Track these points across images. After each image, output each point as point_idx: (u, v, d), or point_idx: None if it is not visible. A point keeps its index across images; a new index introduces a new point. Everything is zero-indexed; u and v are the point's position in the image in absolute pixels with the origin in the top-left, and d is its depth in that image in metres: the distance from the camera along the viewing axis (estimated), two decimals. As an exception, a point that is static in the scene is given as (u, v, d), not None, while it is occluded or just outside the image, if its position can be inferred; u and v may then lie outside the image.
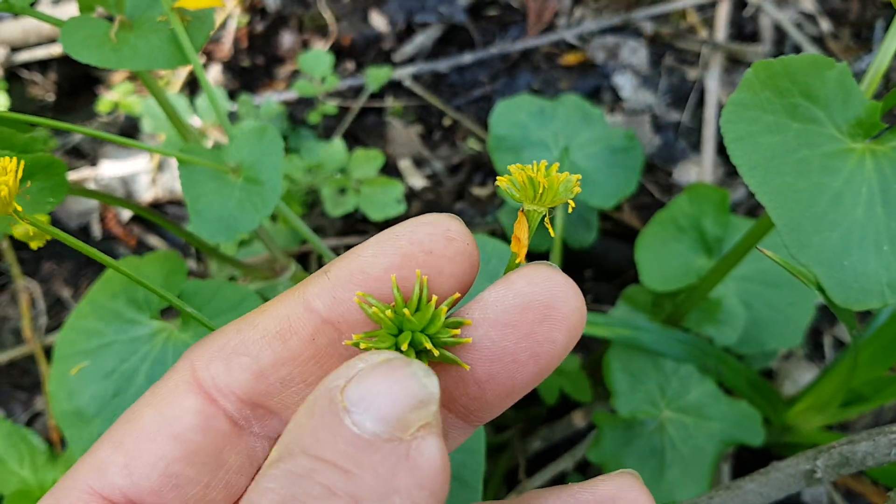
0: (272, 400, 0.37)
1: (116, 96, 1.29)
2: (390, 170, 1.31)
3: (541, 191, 0.35)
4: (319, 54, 1.26)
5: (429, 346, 0.33)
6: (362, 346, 0.34)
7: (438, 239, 0.36)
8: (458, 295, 0.36)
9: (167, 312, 1.13)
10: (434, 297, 0.35)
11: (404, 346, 0.33)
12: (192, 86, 1.42)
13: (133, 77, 1.35)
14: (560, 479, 1.01)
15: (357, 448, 0.29)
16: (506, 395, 0.37)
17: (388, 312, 0.34)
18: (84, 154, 1.33)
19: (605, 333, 0.86)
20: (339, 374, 0.31)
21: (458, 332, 0.36)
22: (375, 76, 1.28)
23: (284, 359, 0.37)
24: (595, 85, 1.40)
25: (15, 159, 0.46)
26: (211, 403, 0.37)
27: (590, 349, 1.18)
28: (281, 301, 0.38)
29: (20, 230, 0.57)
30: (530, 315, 0.35)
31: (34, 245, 0.58)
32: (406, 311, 0.34)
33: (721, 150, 1.33)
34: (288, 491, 0.28)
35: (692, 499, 0.63)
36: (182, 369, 0.38)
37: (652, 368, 0.87)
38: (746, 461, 1.08)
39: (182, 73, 1.40)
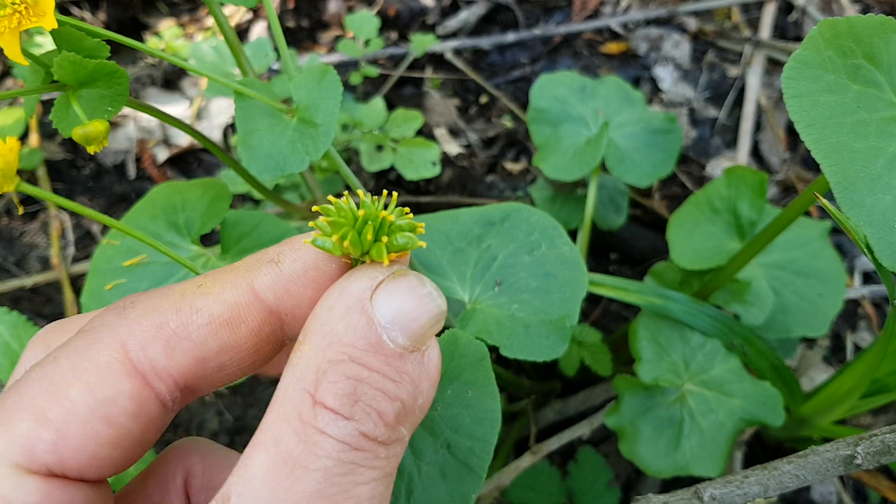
0: (202, 382, 0.38)
1: (163, 39, 1.30)
2: (426, 137, 1.31)
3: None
4: (366, 16, 1.27)
5: (391, 218, 0.36)
6: (332, 239, 0.36)
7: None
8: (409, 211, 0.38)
9: (207, 238, 1.14)
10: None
11: (368, 235, 0.36)
12: (240, 37, 1.43)
13: (181, 23, 1.36)
14: (575, 445, 1.01)
15: (395, 359, 0.34)
16: None
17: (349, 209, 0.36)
18: (124, 95, 1.34)
19: (636, 300, 0.86)
20: (363, 285, 0.35)
21: (410, 216, 0.38)
22: (420, 42, 1.29)
23: (229, 346, 0.38)
24: (635, 75, 1.40)
25: (15, 138, 0.47)
26: (145, 387, 0.37)
27: (609, 330, 1.18)
28: (226, 285, 0.38)
29: (79, 132, 0.57)
30: None
31: (91, 150, 0.58)
32: (365, 200, 0.36)
33: (756, 150, 1.33)
34: (351, 390, 0.33)
35: (726, 476, 0.63)
36: (110, 346, 0.37)
37: (679, 340, 0.87)
38: (758, 455, 1.08)
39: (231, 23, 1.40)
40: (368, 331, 0.34)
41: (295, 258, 0.38)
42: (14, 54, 0.53)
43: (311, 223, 0.37)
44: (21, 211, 0.49)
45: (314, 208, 0.37)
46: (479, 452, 0.59)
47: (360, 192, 0.37)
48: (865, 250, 0.58)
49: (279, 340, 0.39)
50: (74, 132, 0.57)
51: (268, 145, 0.66)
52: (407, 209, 0.38)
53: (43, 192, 0.49)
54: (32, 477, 0.34)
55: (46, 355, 0.37)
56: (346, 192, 0.37)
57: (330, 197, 0.37)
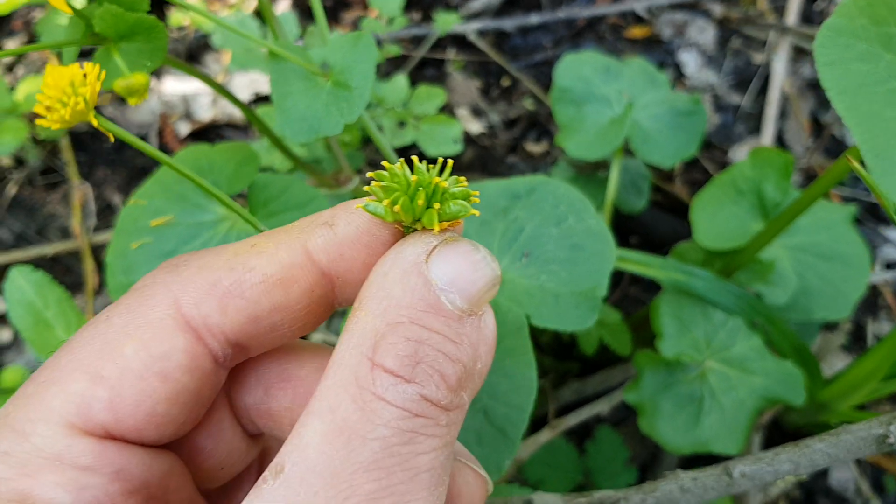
0: (253, 341, 0.38)
1: (188, 13, 1.30)
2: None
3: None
4: (391, -6, 1.26)
5: (444, 184, 0.35)
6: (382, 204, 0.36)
7: None
8: (464, 180, 0.37)
9: (235, 202, 1.14)
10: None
11: (420, 200, 0.35)
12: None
13: (205, -3, 1.36)
14: (594, 423, 1.00)
15: (455, 321, 0.33)
16: None
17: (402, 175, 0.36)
18: (148, 69, 1.34)
19: (659, 275, 0.85)
20: (417, 250, 0.34)
21: (464, 184, 0.37)
22: (444, 21, 1.29)
23: (281, 306, 0.37)
24: (659, 60, 1.40)
25: (98, 67, 0.46)
26: (199, 342, 0.36)
27: (628, 314, 1.18)
28: (280, 245, 0.38)
29: (122, 84, 0.57)
30: None
31: (133, 102, 0.58)
32: (419, 169, 0.36)
33: (780, 137, 1.32)
34: (412, 351, 0.32)
35: (756, 454, 0.62)
36: (162, 303, 0.36)
37: (701, 317, 0.86)
38: (776, 440, 1.07)
39: None
40: (427, 292, 0.33)
41: (349, 222, 0.37)
42: (59, 2, 0.53)
43: (365, 188, 0.36)
44: (112, 138, 0.49)
45: (369, 174, 0.36)
46: (515, 420, 0.58)
47: (415, 158, 0.37)
48: (895, 218, 0.58)
49: (330, 303, 0.39)
50: (116, 84, 0.57)
51: (302, 108, 0.66)
52: (462, 178, 0.37)
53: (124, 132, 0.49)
54: (87, 437, 0.34)
55: (99, 314, 0.37)
56: (401, 160, 0.37)
57: (384, 163, 0.36)
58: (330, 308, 0.39)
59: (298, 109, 0.66)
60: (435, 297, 0.33)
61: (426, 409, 0.32)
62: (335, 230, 0.37)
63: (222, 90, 0.76)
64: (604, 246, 0.71)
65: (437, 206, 0.35)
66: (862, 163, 0.59)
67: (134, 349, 0.35)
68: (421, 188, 0.35)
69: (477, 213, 0.36)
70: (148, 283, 0.38)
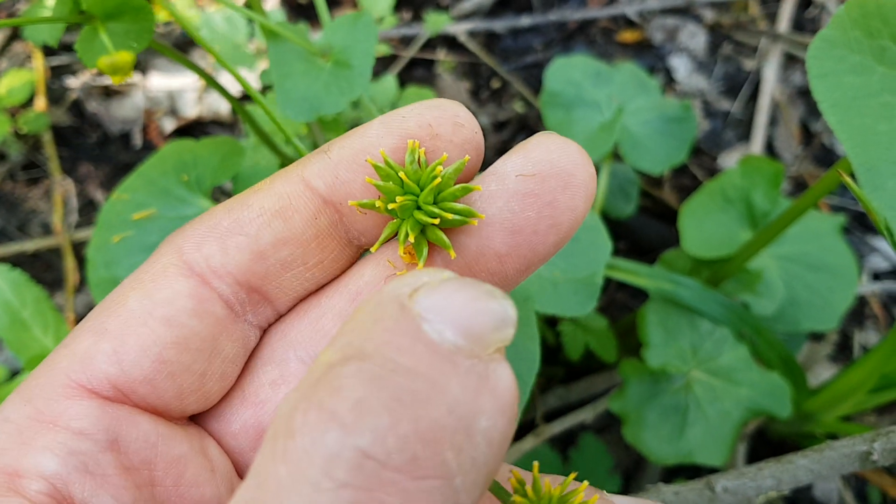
0: (269, 284, 0.36)
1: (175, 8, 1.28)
2: (436, 119, 1.30)
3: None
4: (381, -7, 1.25)
5: (436, 210, 0.33)
6: (377, 203, 0.34)
7: (446, 123, 0.36)
8: (468, 158, 0.35)
9: (218, 195, 1.12)
10: (440, 166, 0.35)
11: (421, 200, 0.33)
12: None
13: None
14: (578, 430, 0.99)
15: (438, 357, 0.25)
16: (525, 269, 0.36)
17: (400, 174, 0.34)
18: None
19: (647, 284, 0.85)
20: (404, 283, 0.27)
21: (472, 188, 0.35)
22: (434, 21, 1.28)
23: (285, 238, 0.36)
24: (649, 65, 1.39)
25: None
26: (204, 285, 0.35)
27: (614, 320, 1.17)
28: (277, 180, 0.36)
29: (106, 61, 0.56)
30: (551, 183, 0.34)
31: (116, 80, 0.57)
32: (417, 172, 0.34)
33: (770, 145, 1.32)
34: (365, 391, 0.24)
35: (739, 469, 0.62)
36: (167, 253, 0.36)
37: (688, 327, 0.85)
38: (760, 451, 1.07)
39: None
40: (402, 318, 0.26)
41: (343, 146, 0.36)
42: None
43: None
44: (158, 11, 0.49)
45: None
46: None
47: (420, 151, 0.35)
48: (886, 234, 0.57)
49: (344, 236, 0.37)
50: (101, 62, 0.56)
51: (303, 88, 0.67)
52: (471, 188, 0.35)
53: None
54: (88, 399, 0.33)
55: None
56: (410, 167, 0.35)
57: (411, 142, 0.35)
58: (346, 242, 0.37)
59: (299, 90, 0.67)
60: (413, 324, 0.26)
61: (361, 474, 0.23)
62: (330, 154, 0.36)
63: (212, 80, 0.75)
64: (598, 237, 0.72)
65: (428, 219, 0.33)
66: (852, 175, 0.58)
67: (136, 298, 0.35)
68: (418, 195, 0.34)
69: (476, 220, 0.34)
70: (161, 244, 0.38)
